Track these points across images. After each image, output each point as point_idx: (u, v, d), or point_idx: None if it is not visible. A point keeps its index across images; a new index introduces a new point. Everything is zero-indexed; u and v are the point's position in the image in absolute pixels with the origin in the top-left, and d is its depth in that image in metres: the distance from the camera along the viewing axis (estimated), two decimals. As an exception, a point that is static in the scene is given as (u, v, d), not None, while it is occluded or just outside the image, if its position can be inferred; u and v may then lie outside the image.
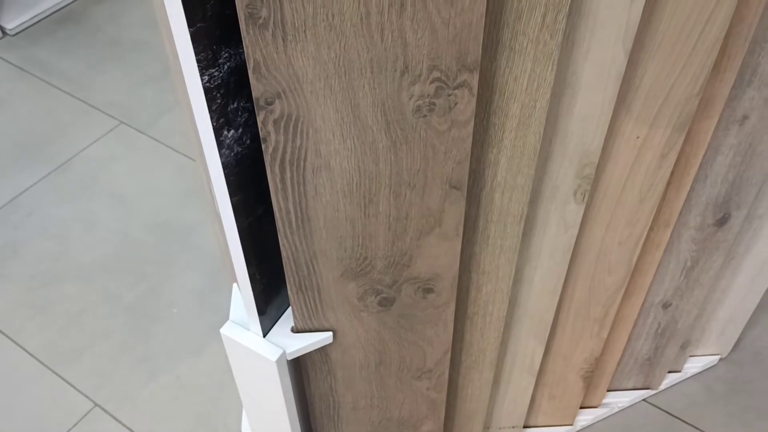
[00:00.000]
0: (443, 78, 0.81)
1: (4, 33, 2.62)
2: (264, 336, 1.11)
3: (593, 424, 1.71)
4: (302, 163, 0.89)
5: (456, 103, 0.84)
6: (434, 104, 0.84)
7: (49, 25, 2.70)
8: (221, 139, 0.84)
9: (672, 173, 1.13)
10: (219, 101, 0.81)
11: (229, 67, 0.81)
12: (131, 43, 2.64)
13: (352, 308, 1.10)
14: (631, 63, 0.94)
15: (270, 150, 0.86)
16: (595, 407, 1.71)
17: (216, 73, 0.79)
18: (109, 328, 1.88)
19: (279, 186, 0.91)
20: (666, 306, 1.54)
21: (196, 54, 0.75)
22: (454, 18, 0.75)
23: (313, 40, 0.76)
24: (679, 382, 1.78)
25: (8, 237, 2.05)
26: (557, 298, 1.26)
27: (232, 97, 0.83)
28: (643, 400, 1.76)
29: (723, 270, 1.53)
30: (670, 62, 0.95)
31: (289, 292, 1.06)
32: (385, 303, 1.09)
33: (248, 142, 0.89)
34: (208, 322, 1.88)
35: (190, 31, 0.72)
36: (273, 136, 0.85)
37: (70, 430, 1.69)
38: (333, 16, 0.74)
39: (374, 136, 0.86)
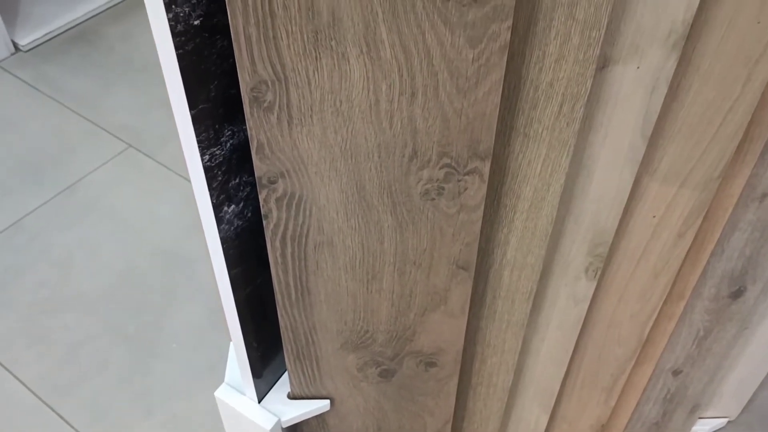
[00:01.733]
0: (453, 164, 0.78)
1: (17, 49, 2.61)
2: (259, 401, 1.08)
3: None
4: (304, 240, 0.85)
5: (466, 189, 0.80)
6: (443, 188, 0.80)
7: (63, 43, 2.68)
8: (221, 215, 0.81)
9: (688, 249, 1.09)
10: (220, 178, 0.78)
11: (231, 144, 0.78)
12: (144, 64, 2.62)
13: (351, 378, 1.06)
14: (649, 146, 0.90)
15: (271, 226, 0.83)
16: (599, 468, 1.66)
17: (218, 152, 0.76)
18: (108, 360, 1.85)
19: (279, 260, 0.87)
20: (676, 373, 1.49)
21: (197, 135, 0.72)
22: (467, 108, 0.72)
23: (320, 124, 0.73)
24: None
25: (10, 261, 2.03)
26: (564, 369, 1.22)
27: (234, 173, 0.80)
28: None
29: (736, 339, 1.48)
30: (689, 146, 0.92)
31: (287, 361, 1.03)
32: (386, 375, 1.06)
33: (249, 215, 0.86)
34: (207, 360, 1.84)
35: (191, 113, 0.69)
36: (275, 213, 0.82)
37: (63, 466, 1.65)
38: (341, 102, 0.71)
39: (379, 216, 0.83)
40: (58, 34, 2.69)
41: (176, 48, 0.63)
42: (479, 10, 0.64)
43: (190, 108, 0.68)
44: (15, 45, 2.60)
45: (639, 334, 1.23)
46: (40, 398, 1.79)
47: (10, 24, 2.61)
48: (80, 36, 2.70)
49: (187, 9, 0.63)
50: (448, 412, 1.14)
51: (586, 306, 1.10)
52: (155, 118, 2.44)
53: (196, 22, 0.65)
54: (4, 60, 2.61)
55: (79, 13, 2.69)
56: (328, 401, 1.09)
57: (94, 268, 2.02)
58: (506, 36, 0.66)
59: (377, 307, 0.94)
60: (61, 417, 1.76)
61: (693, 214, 1.01)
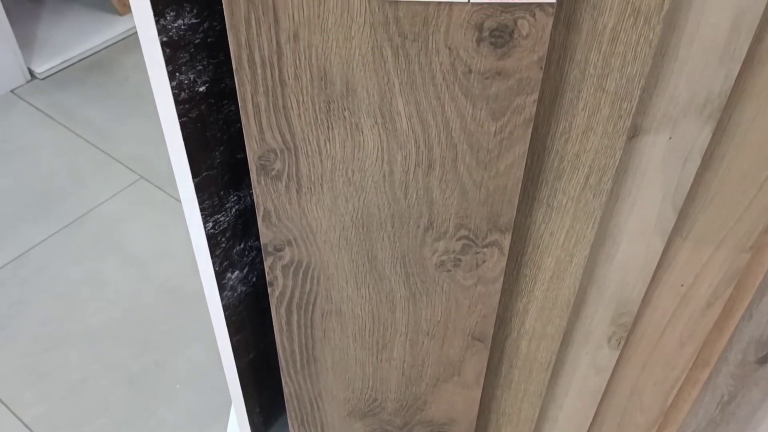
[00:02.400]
0: (471, 237, 0.73)
1: (33, 76, 2.60)
2: (261, 465, 1.03)
3: None
4: (311, 308, 0.81)
5: (484, 261, 0.75)
6: (460, 260, 0.75)
7: (78, 72, 2.67)
8: (224, 282, 0.76)
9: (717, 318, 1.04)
10: (224, 245, 0.74)
11: (237, 209, 0.73)
12: (159, 94, 2.60)
13: (358, 445, 1.01)
14: (679, 214, 0.85)
15: (276, 294, 0.79)
16: None
17: (222, 218, 0.72)
18: (109, 401, 1.80)
19: (284, 328, 0.83)
20: (698, 436, 1.43)
21: (201, 203, 0.67)
22: (487, 181, 0.68)
23: (330, 193, 0.69)
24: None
25: (15, 294, 1.99)
26: (581, 436, 1.16)
27: (239, 238, 0.76)
28: None
29: (760, 403, 1.42)
30: (722, 216, 0.87)
31: (290, 427, 0.98)
32: (394, 443, 1.00)
33: (254, 279, 0.81)
34: (211, 403, 1.79)
35: (195, 181, 0.65)
36: (281, 281, 0.77)
37: None
38: (353, 172, 0.67)
39: (392, 287, 0.78)
40: (75, 63, 2.68)
41: (179, 116, 0.59)
42: (503, 83, 0.60)
43: (193, 176, 0.64)
44: (31, 72, 2.59)
45: (662, 402, 1.17)
46: (40, 439, 1.74)
47: (27, 51, 2.61)
48: (96, 65, 2.69)
49: (192, 76, 0.59)
50: (459, 481, 1.08)
51: (607, 375, 1.04)
52: (167, 150, 2.41)
53: (201, 89, 0.61)
54: (19, 87, 2.60)
55: (95, 42, 2.68)
56: (333, 467, 1.04)
57: (99, 304, 1.98)
58: (532, 110, 0.62)
59: (387, 376, 0.89)
60: (61, 460, 1.71)
61: (723, 284, 0.95)
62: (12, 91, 2.64)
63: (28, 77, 2.59)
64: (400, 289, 0.78)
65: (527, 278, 0.84)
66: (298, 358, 0.87)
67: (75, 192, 2.29)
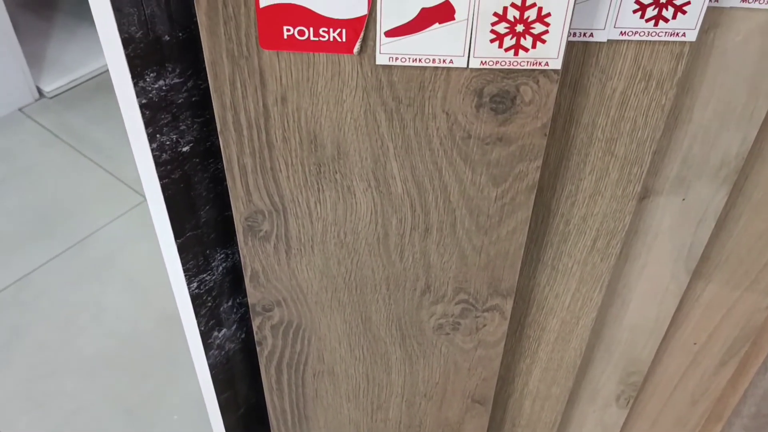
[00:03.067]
0: (471, 301, 0.69)
1: (42, 95, 2.59)
2: None
3: None
4: (302, 367, 0.77)
5: (485, 325, 0.71)
6: (459, 324, 0.71)
7: (86, 91, 2.66)
8: (210, 341, 0.73)
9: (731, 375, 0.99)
10: (210, 304, 0.70)
11: (224, 267, 0.70)
12: (166, 115, 2.58)
13: (352, 502, 0.96)
14: (693, 274, 0.81)
15: (265, 353, 0.75)
16: None
17: (208, 277, 0.68)
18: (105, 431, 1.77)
19: (274, 386, 0.79)
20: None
21: (184, 264, 0.64)
22: (488, 246, 0.64)
23: (321, 255, 0.65)
24: None
25: (14, 318, 1.96)
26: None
27: (226, 296, 0.72)
28: None
29: (777, 456, 1.36)
30: (737, 276, 0.82)
31: (282, 483, 0.93)
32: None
33: (243, 336, 0.78)
34: (209, 436, 1.75)
35: (177, 242, 0.62)
36: (270, 341, 0.74)
37: None
38: (346, 234, 0.63)
39: (387, 348, 0.74)
40: (83, 82, 2.67)
41: (161, 178, 0.56)
42: (504, 149, 0.56)
43: (176, 237, 0.61)
44: (40, 91, 2.58)
45: (672, 458, 1.12)
46: (33, 469, 1.71)
47: (36, 70, 2.60)
48: (105, 85, 2.67)
49: (174, 136, 0.56)
50: None
51: (614, 433, 1.00)
52: (173, 172, 2.38)
53: (185, 149, 0.58)
54: (27, 106, 2.59)
55: (104, 62, 2.67)
56: None
57: (97, 331, 1.95)
58: (535, 176, 0.58)
59: (382, 436, 0.85)
60: (53, 491, 1.67)
61: (738, 343, 0.91)
62: (20, 110, 2.63)
63: (36, 96, 2.57)
64: (396, 351, 0.74)
65: (531, 339, 0.80)
66: (289, 416, 0.83)
67: (79, 213, 2.27)
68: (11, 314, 1.98)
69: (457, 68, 0.52)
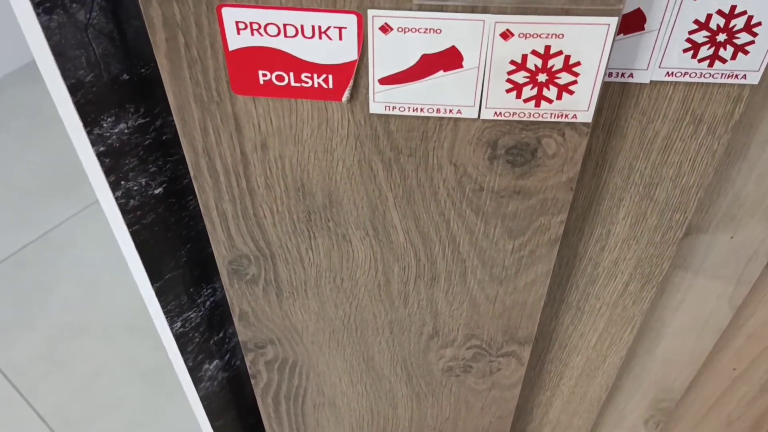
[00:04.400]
0: (485, 347, 0.62)
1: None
2: None
3: None
4: (300, 400, 0.71)
5: (499, 369, 0.65)
6: (471, 367, 0.65)
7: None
8: (200, 374, 0.67)
9: (771, 397, 0.91)
10: (198, 340, 0.64)
11: (212, 302, 0.64)
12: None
13: None
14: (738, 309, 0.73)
15: (261, 386, 0.69)
16: None
17: (193, 315, 0.62)
18: (123, 397, 1.76)
19: (272, 415, 0.74)
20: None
21: (164, 306, 0.58)
22: (503, 296, 0.56)
23: (316, 298, 0.58)
24: None
25: (37, 277, 1.95)
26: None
27: (216, 330, 0.66)
28: None
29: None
30: (789, 308, 0.73)
31: (286, 497, 0.90)
32: None
33: (237, 363, 0.72)
34: (227, 406, 1.73)
35: (155, 287, 0.56)
36: (265, 375, 0.68)
37: None
38: (342, 280, 0.56)
39: (392, 386, 0.68)
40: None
41: (129, 225, 0.49)
42: (523, 202, 0.48)
43: (153, 282, 0.55)
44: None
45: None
46: (53, 431, 1.72)
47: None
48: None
49: (143, 180, 0.49)
50: None
51: (641, 453, 0.93)
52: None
53: (157, 191, 0.50)
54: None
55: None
56: None
57: (120, 292, 1.93)
58: (558, 230, 0.50)
59: (389, 461, 0.80)
60: (74, 454, 1.68)
61: (782, 372, 0.82)
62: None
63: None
64: (402, 389, 0.68)
65: (552, 374, 0.73)
66: (290, 441, 0.78)
67: (100, 169, 2.22)
68: (34, 272, 1.96)
69: (466, 119, 0.43)
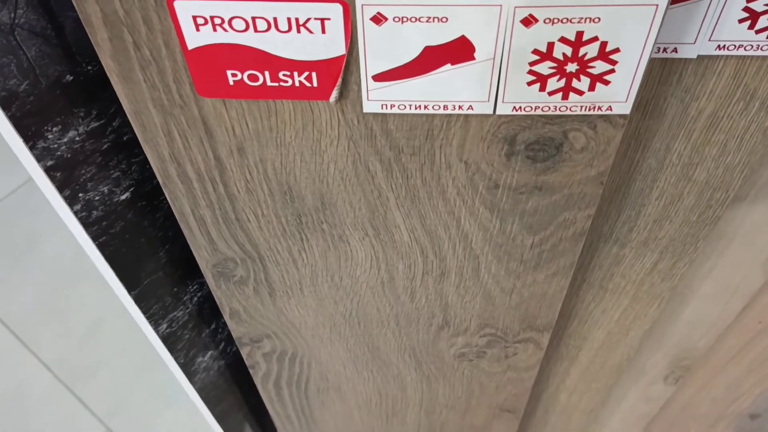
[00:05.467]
0: (500, 335, 0.57)
1: None
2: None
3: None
4: (303, 385, 0.67)
5: (516, 353, 0.60)
6: (485, 353, 0.60)
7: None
8: (194, 368, 0.62)
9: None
10: (188, 336, 0.59)
11: (201, 296, 0.58)
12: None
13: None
14: (770, 267, 0.67)
15: (260, 375, 0.65)
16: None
17: (180, 314, 0.56)
18: (127, 344, 1.74)
19: (275, 399, 0.70)
20: (754, 417, 1.30)
21: (146, 312, 0.52)
22: (521, 289, 0.50)
23: (314, 296, 0.53)
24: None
25: (28, 226, 1.89)
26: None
27: (207, 323, 0.61)
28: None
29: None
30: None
31: (295, 467, 0.87)
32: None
33: (233, 350, 0.67)
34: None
35: (133, 294, 0.50)
36: (263, 365, 0.63)
37: (81, 459, 1.58)
38: (341, 278, 0.50)
39: (399, 371, 0.63)
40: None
41: (95, 238, 0.43)
42: (544, 198, 0.42)
43: (130, 290, 0.49)
44: None
45: (719, 413, 1.03)
46: (60, 380, 1.70)
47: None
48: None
49: (106, 188, 0.42)
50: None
51: (659, 405, 0.90)
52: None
53: (124, 196, 0.44)
54: None
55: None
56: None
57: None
58: (585, 224, 0.44)
59: (400, 435, 0.76)
60: (82, 402, 1.68)
61: (812, 326, 0.78)
62: None
63: None
64: (411, 374, 0.63)
65: (570, 347, 0.68)
66: (295, 420, 0.74)
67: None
68: (24, 221, 1.91)
69: (479, 115, 0.36)
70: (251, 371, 0.64)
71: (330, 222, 0.44)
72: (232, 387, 0.70)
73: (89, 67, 0.38)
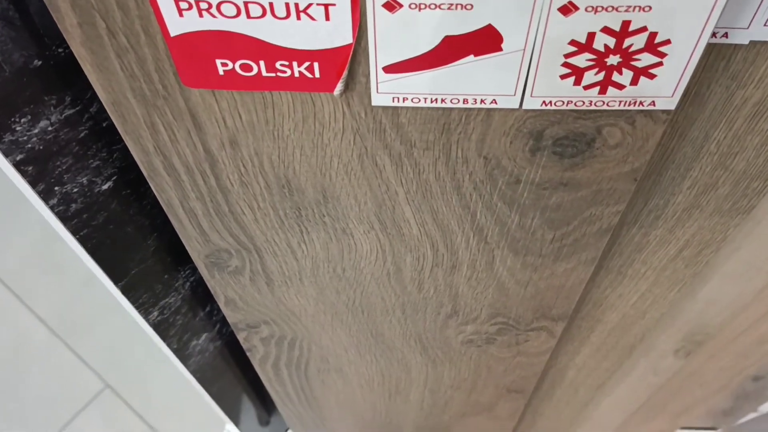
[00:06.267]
0: (512, 323, 0.53)
1: None
2: (266, 459, 0.92)
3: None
4: (303, 367, 0.64)
5: (527, 341, 0.57)
6: (495, 339, 0.57)
7: None
8: (188, 351, 0.59)
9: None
10: (181, 321, 0.56)
11: (194, 280, 0.55)
12: None
13: (373, 449, 0.89)
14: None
15: (258, 357, 0.62)
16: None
17: (172, 300, 0.53)
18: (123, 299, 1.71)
19: (273, 378, 0.67)
20: (757, 379, 1.29)
21: (134, 302, 0.49)
22: (537, 281, 0.47)
23: (314, 286, 0.49)
24: (748, 421, 1.57)
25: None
26: (628, 414, 1.02)
27: (201, 306, 0.58)
28: (708, 439, 1.56)
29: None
30: None
31: (294, 438, 0.85)
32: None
33: (228, 330, 0.64)
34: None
35: (120, 285, 0.46)
36: (261, 349, 0.60)
37: (79, 412, 1.58)
38: (344, 270, 0.47)
39: (404, 355, 0.61)
40: None
41: (74, 232, 0.39)
42: (570, 194, 0.38)
43: (117, 282, 0.45)
44: None
45: (727, 381, 1.02)
46: (57, 335, 1.68)
47: None
48: None
49: (85, 179, 0.38)
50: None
51: (667, 377, 0.88)
52: None
53: (106, 186, 0.40)
54: None
55: None
56: (346, 459, 0.93)
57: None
58: (612, 220, 0.40)
59: (403, 411, 0.74)
60: (80, 357, 1.66)
61: (832, 302, 0.75)
62: None
63: None
64: (416, 357, 0.61)
65: (582, 328, 0.65)
66: (295, 398, 0.72)
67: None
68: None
69: (502, 109, 0.32)
70: (248, 354, 0.61)
71: (333, 215, 0.41)
72: (229, 366, 0.67)
73: (60, 50, 0.33)
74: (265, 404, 0.82)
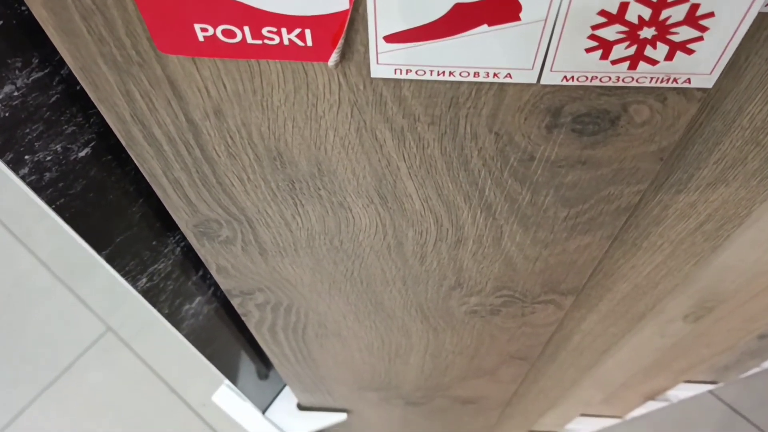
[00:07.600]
0: (518, 296, 0.51)
1: None
2: (263, 412, 0.92)
3: (648, 413, 1.53)
4: (300, 331, 0.62)
5: (534, 313, 0.54)
6: (500, 311, 0.54)
7: None
8: (180, 316, 0.57)
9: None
10: (172, 286, 0.53)
11: (185, 245, 0.52)
12: None
13: (373, 404, 0.88)
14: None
15: (254, 322, 0.60)
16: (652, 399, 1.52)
17: (161, 266, 0.50)
18: (124, 241, 1.70)
19: (270, 340, 0.65)
20: (762, 337, 1.28)
21: (121, 269, 0.46)
22: (547, 257, 0.44)
23: (310, 257, 0.47)
24: (749, 376, 1.57)
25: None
26: (631, 373, 1.01)
27: (194, 269, 0.55)
28: (708, 392, 1.56)
29: None
30: None
31: (294, 394, 0.84)
32: (414, 405, 0.87)
33: (222, 293, 0.62)
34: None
35: (104, 254, 0.44)
36: (256, 314, 0.58)
37: (81, 355, 1.58)
38: (342, 242, 0.44)
39: (405, 322, 0.58)
40: None
41: (50, 202, 0.36)
42: (588, 172, 0.34)
43: (100, 251, 0.42)
44: None
45: (734, 341, 1.00)
46: (58, 277, 1.68)
47: None
48: None
49: (59, 146, 0.35)
50: (489, 422, 0.96)
51: (673, 340, 0.86)
52: None
53: (83, 153, 0.37)
54: None
55: None
56: (344, 414, 0.92)
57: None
58: (631, 200, 0.37)
59: (403, 372, 0.73)
60: (81, 299, 1.66)
61: None
62: None
63: None
64: (416, 325, 0.58)
65: (591, 297, 0.62)
66: (292, 358, 0.70)
67: None
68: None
69: (515, 84, 0.28)
70: (244, 318, 0.59)
71: (329, 189, 0.37)
72: (225, 326, 0.65)
73: (23, 8, 0.29)
74: (264, 360, 0.80)
